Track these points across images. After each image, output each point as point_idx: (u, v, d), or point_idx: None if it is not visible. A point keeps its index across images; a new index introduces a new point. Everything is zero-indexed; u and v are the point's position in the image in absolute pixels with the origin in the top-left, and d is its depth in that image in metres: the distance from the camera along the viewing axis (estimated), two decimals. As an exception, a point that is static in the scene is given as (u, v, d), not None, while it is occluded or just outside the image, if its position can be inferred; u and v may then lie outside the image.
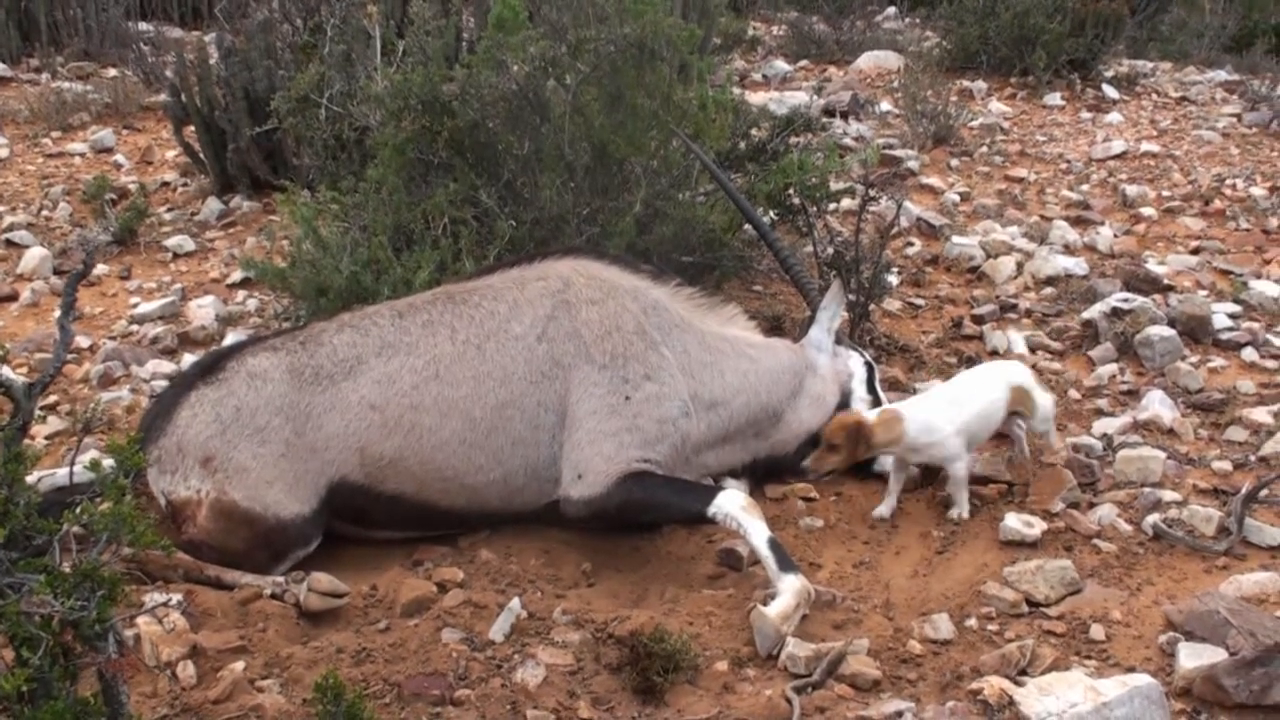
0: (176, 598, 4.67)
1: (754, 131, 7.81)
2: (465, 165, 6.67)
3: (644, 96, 6.61)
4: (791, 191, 6.96)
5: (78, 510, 2.72)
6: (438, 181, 6.67)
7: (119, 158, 10.50)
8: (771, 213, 7.17)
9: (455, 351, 5.32)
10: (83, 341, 7.25)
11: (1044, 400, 5.81)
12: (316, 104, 7.59)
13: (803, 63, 14.37)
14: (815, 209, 7.11)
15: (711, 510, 5.04)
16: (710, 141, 6.82)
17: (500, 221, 6.39)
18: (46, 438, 6.17)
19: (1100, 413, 6.51)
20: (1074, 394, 6.68)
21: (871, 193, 6.81)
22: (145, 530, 2.71)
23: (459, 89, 6.60)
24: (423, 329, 5.39)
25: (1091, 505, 5.64)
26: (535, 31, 6.60)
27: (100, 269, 8.26)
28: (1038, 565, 5.03)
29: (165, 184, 9.89)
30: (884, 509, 5.61)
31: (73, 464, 3.04)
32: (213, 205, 9.16)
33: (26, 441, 3.03)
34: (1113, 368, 6.91)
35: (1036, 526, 5.36)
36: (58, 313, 3.25)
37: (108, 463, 3.82)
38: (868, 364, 6.02)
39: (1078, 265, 8.26)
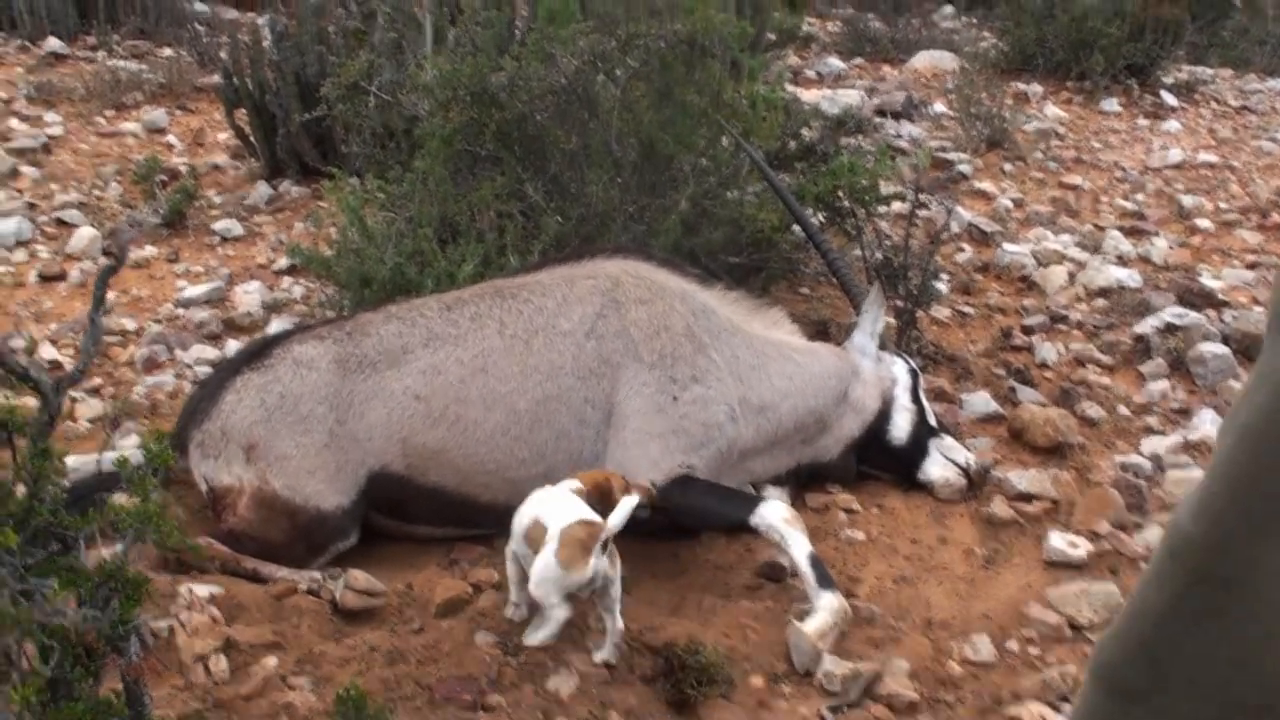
0: (211, 589, 4.68)
1: (804, 131, 7.72)
2: (512, 158, 6.62)
3: (694, 93, 6.55)
4: (841, 194, 6.86)
5: (104, 508, 2.67)
6: (484, 174, 6.62)
7: (171, 138, 10.52)
8: (820, 214, 7.08)
9: (503, 345, 5.28)
10: (129, 324, 7.24)
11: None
12: (365, 92, 7.56)
13: (857, 61, 14.27)
14: (865, 212, 7.02)
15: (754, 520, 4.97)
16: (760, 140, 6.74)
17: (546, 217, 6.33)
18: (89, 420, 6.16)
19: (1150, 431, 6.40)
20: (1124, 410, 6.57)
21: (922, 197, 6.70)
22: (171, 530, 2.65)
23: (508, 81, 6.54)
24: (471, 322, 5.35)
25: (1139, 527, 5.53)
26: (585, 25, 6.53)
27: (148, 251, 8.26)
28: (1082, 588, 4.94)
29: (216, 166, 9.91)
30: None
31: (99, 458, 2.98)
32: (262, 190, 9.16)
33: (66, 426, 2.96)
34: (1164, 385, 6.80)
35: (1082, 547, 5.27)
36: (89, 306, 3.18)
37: (133, 454, 3.80)
38: (912, 371, 5.93)
39: (1131, 277, 8.13)
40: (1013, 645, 4.74)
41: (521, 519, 4.53)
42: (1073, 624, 4.85)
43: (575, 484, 4.74)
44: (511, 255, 6.20)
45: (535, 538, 4.43)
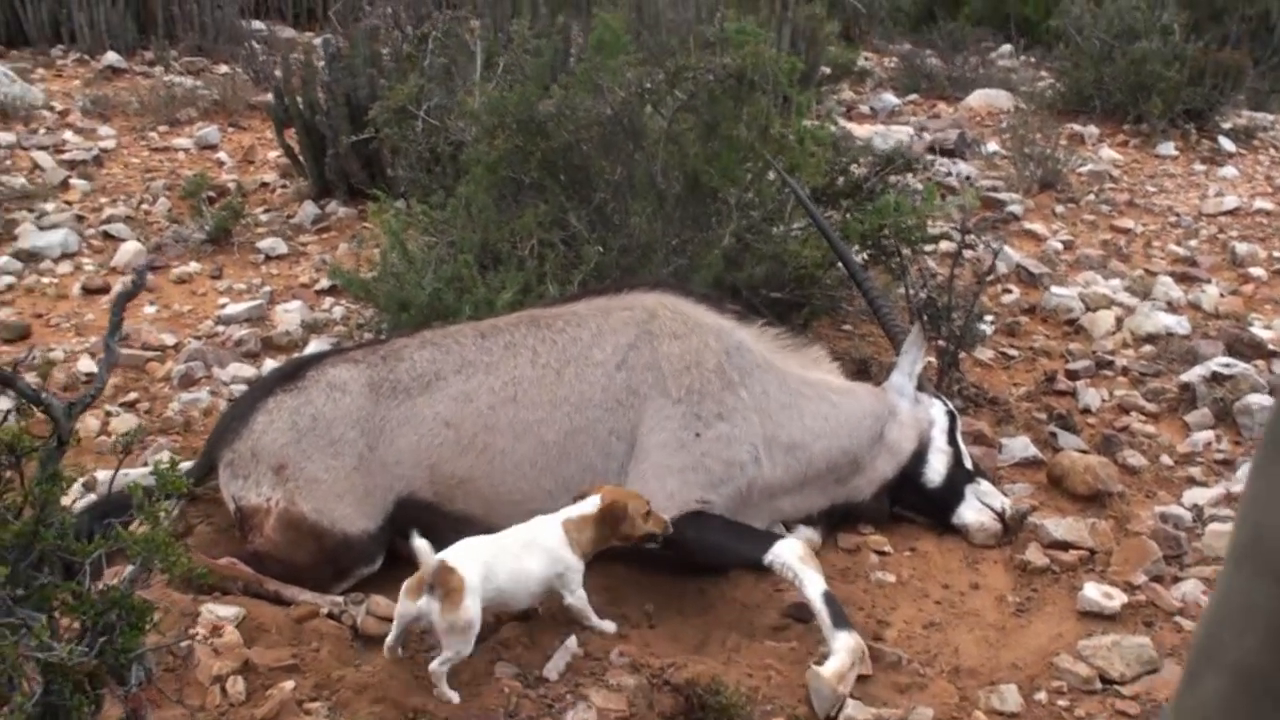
0: (232, 610, 4.66)
1: (853, 167, 7.66)
2: (557, 187, 6.60)
3: (741, 127, 6.50)
4: (886, 232, 6.80)
5: (110, 534, 2.65)
6: (528, 202, 6.61)
7: (222, 155, 10.58)
8: (864, 253, 7.02)
9: (535, 375, 5.26)
10: (168, 340, 7.26)
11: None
12: (413, 116, 7.57)
13: (912, 97, 14.20)
14: (910, 251, 6.95)
15: (768, 558, 4.91)
16: (806, 176, 6.69)
17: (588, 246, 6.31)
18: (123, 435, 6.17)
19: (1192, 481, 6.29)
20: (1166, 460, 6.47)
21: (968, 238, 6.63)
22: (179, 558, 2.62)
23: (555, 110, 6.53)
24: (504, 350, 5.33)
25: (1176, 580, 5.43)
26: (634, 56, 6.51)
27: (192, 267, 8.30)
28: (1114, 641, 4.84)
29: (264, 184, 9.96)
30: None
31: (111, 483, 2.95)
32: (308, 209, 9.19)
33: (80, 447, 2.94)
34: (1209, 435, 6.68)
35: (1116, 599, 5.17)
36: (109, 330, 3.16)
37: (138, 476, 3.77)
38: (950, 413, 5.86)
39: (1180, 324, 8.02)
40: (1041, 696, 4.65)
41: None
42: (1104, 677, 4.75)
43: (590, 506, 4.78)
44: (551, 284, 6.19)
45: None
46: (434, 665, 4.35)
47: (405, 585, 4.43)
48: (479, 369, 5.26)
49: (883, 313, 6.16)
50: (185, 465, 5.45)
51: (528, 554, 4.66)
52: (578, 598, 4.76)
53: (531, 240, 6.43)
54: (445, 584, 4.34)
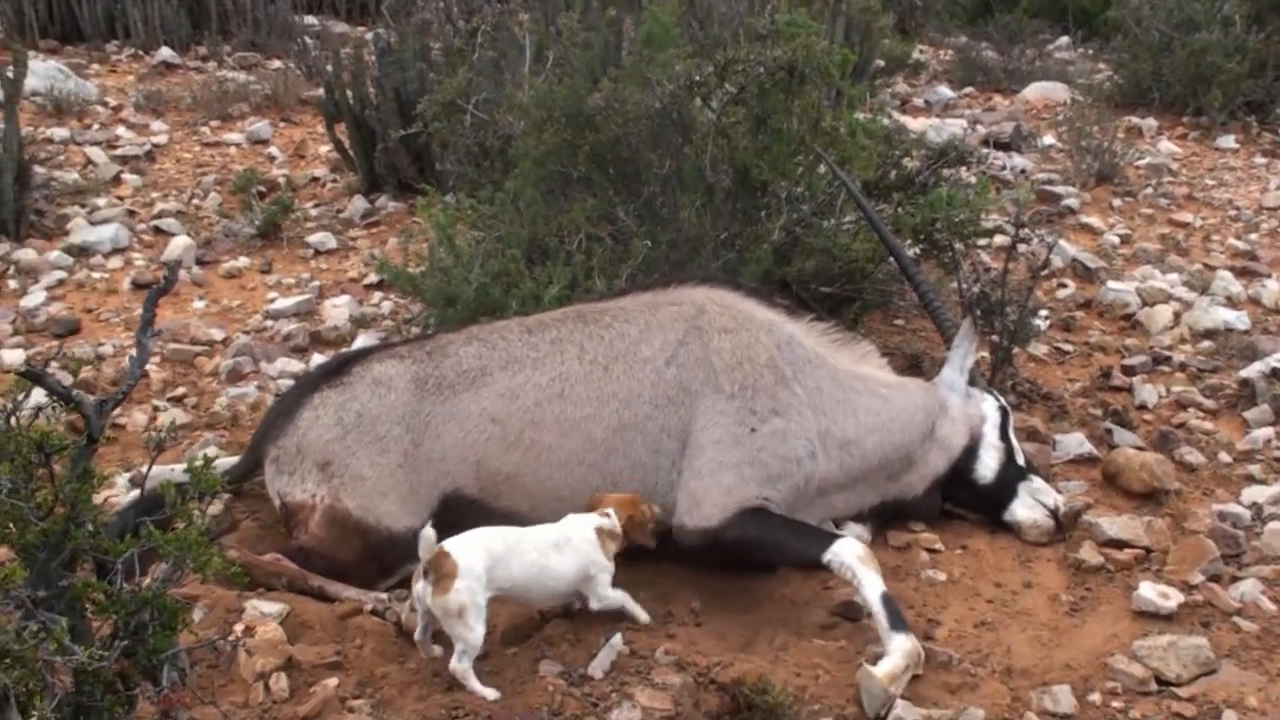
0: (277, 607, 4.64)
1: (906, 161, 7.56)
2: (605, 181, 6.55)
3: (791, 120, 6.43)
4: (938, 226, 6.70)
5: (143, 533, 2.61)
6: (576, 196, 6.56)
7: (273, 150, 10.61)
8: (916, 247, 6.94)
9: (582, 371, 5.21)
10: (216, 335, 7.27)
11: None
12: (462, 110, 7.53)
13: (968, 90, 14.07)
14: (963, 246, 6.85)
15: (827, 557, 4.84)
16: (857, 170, 6.61)
17: (636, 241, 6.25)
18: (156, 431, 6.17)
19: (1251, 479, 6.17)
20: (1225, 457, 6.34)
21: (1022, 233, 6.53)
22: (211, 558, 2.58)
23: (603, 103, 6.47)
24: (551, 346, 5.28)
25: (1234, 579, 5.32)
26: (683, 49, 6.45)
27: (242, 262, 8.31)
28: (1170, 641, 4.74)
29: (315, 179, 9.97)
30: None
31: (145, 481, 2.92)
32: (358, 204, 9.19)
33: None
34: (1268, 431, 6.55)
35: (1173, 598, 5.07)
36: (140, 325, 3.13)
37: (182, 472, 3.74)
38: (1002, 409, 5.77)
39: (1239, 319, 7.88)
40: (1094, 698, 4.56)
41: None
42: (1159, 678, 4.66)
43: (606, 518, 4.78)
44: (598, 279, 6.14)
45: None
46: (453, 663, 4.34)
47: (414, 575, 4.44)
48: (525, 365, 5.22)
49: (934, 307, 6.07)
50: (226, 461, 5.49)
51: (558, 553, 4.64)
52: (606, 600, 4.73)
53: (579, 234, 6.38)
54: (438, 569, 4.33)
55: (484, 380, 5.19)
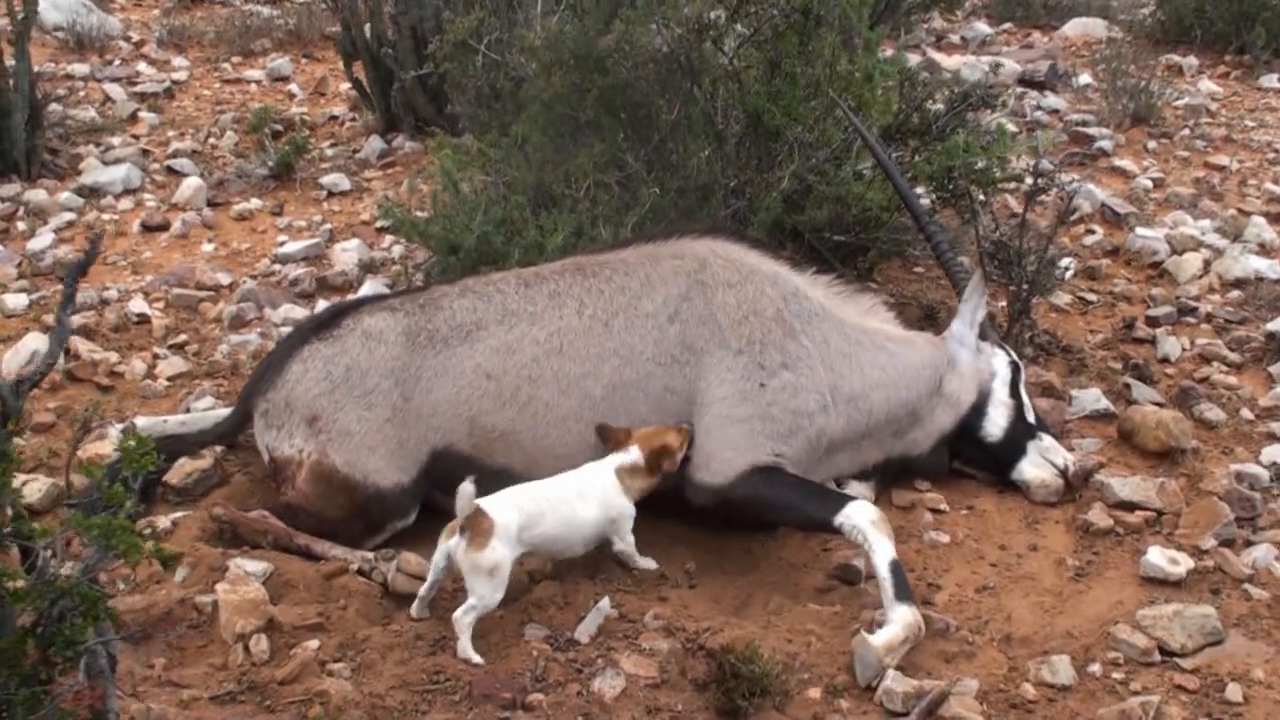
0: (261, 566, 4.58)
1: (928, 104, 7.35)
2: (615, 126, 6.39)
3: (805, 65, 6.26)
4: (956, 174, 6.52)
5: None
6: (585, 141, 6.41)
7: (293, 87, 10.49)
8: (933, 195, 6.76)
9: (581, 326, 5.09)
10: (223, 279, 7.18)
11: None
12: (474, 50, 7.38)
13: (1006, 25, 13.74)
14: (982, 195, 6.67)
15: (839, 520, 4.71)
16: (874, 115, 6.43)
17: (644, 188, 6.11)
18: (168, 378, 6.13)
19: (1273, 438, 5.99)
20: (1246, 414, 6.16)
21: (1041, 181, 6.34)
22: (136, 544, 2.48)
23: (614, 45, 6.31)
24: (549, 300, 5.17)
25: (1248, 544, 5.18)
26: (697, -11, 6.28)
27: (254, 203, 8.22)
28: (1176, 610, 4.61)
29: (333, 117, 9.86)
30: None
31: (165, 420, 2.82)
32: (375, 144, 9.07)
33: (17, 441, 2.82)
34: (1293, 387, 6.37)
35: (1182, 564, 4.93)
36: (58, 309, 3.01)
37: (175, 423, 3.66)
38: (1013, 364, 5.61)
39: (1271, 268, 7.63)
40: (1095, 668, 4.45)
41: None
42: (1163, 649, 4.54)
43: (635, 455, 4.77)
44: (603, 228, 6.00)
45: None
46: (458, 613, 4.29)
47: (444, 530, 4.42)
48: (522, 319, 5.10)
49: (946, 258, 5.91)
50: (219, 413, 5.42)
51: (581, 501, 4.63)
52: (628, 543, 4.76)
53: (586, 181, 6.25)
54: (476, 526, 4.30)
55: (478, 334, 5.08)
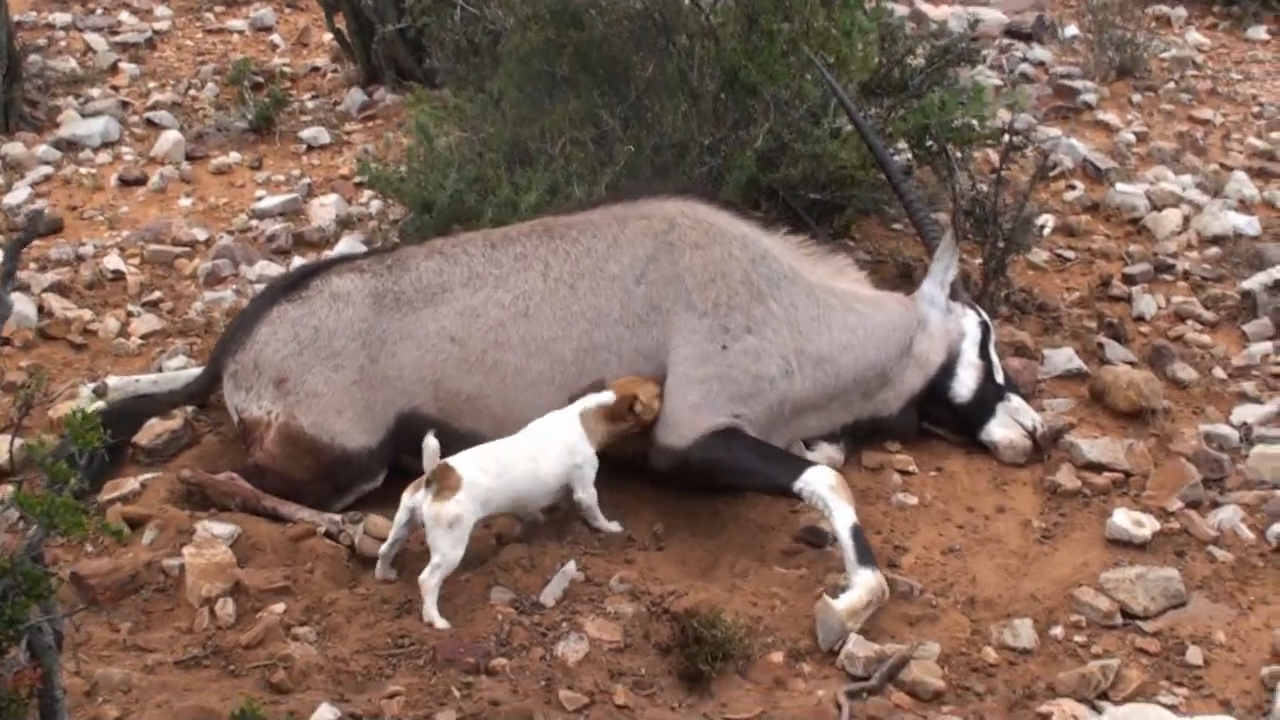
0: (228, 528, 4.59)
1: (909, 59, 7.29)
2: (591, 82, 6.36)
3: (782, 20, 6.22)
4: (932, 131, 6.49)
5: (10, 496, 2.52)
6: (560, 97, 6.38)
7: (275, 38, 10.41)
8: (910, 153, 6.73)
9: (547, 289, 5.09)
10: (199, 235, 7.17)
11: None
12: (452, 4, 7.33)
13: (995, -27, 13.66)
14: (959, 153, 6.64)
15: (798, 485, 4.74)
16: (852, 72, 6.41)
17: (619, 145, 6.09)
18: (142, 336, 6.13)
19: (1244, 397, 5.98)
20: (1219, 372, 6.16)
21: (1017, 139, 6.32)
22: (79, 522, 2.49)
23: (589, 1, 6.28)
24: (515, 262, 5.17)
25: (1215, 505, 5.19)
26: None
27: (232, 157, 8.19)
28: (1139, 573, 4.64)
29: (315, 69, 9.81)
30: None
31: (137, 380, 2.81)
32: (355, 96, 9.03)
33: None
34: (1267, 346, 6.34)
35: (1147, 526, 4.95)
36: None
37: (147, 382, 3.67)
38: (983, 324, 5.60)
39: (1250, 224, 7.60)
40: (1057, 631, 4.49)
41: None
42: (1125, 611, 4.57)
43: (606, 396, 4.82)
44: (577, 186, 5.98)
45: None
46: (423, 575, 4.33)
47: (409, 487, 4.47)
48: (487, 282, 5.11)
49: (919, 218, 5.89)
50: (190, 373, 5.43)
51: (543, 455, 4.66)
52: (589, 494, 4.77)
53: (562, 138, 6.22)
54: (442, 479, 4.35)
55: (444, 297, 5.09)
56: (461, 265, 5.14)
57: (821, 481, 4.71)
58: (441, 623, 4.25)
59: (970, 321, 5.58)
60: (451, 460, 4.42)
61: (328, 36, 10.11)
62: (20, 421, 3.21)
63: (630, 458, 5.08)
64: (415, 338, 5.03)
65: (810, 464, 4.89)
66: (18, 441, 5.09)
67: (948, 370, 5.48)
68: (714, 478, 5.03)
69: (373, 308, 5.06)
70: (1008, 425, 5.44)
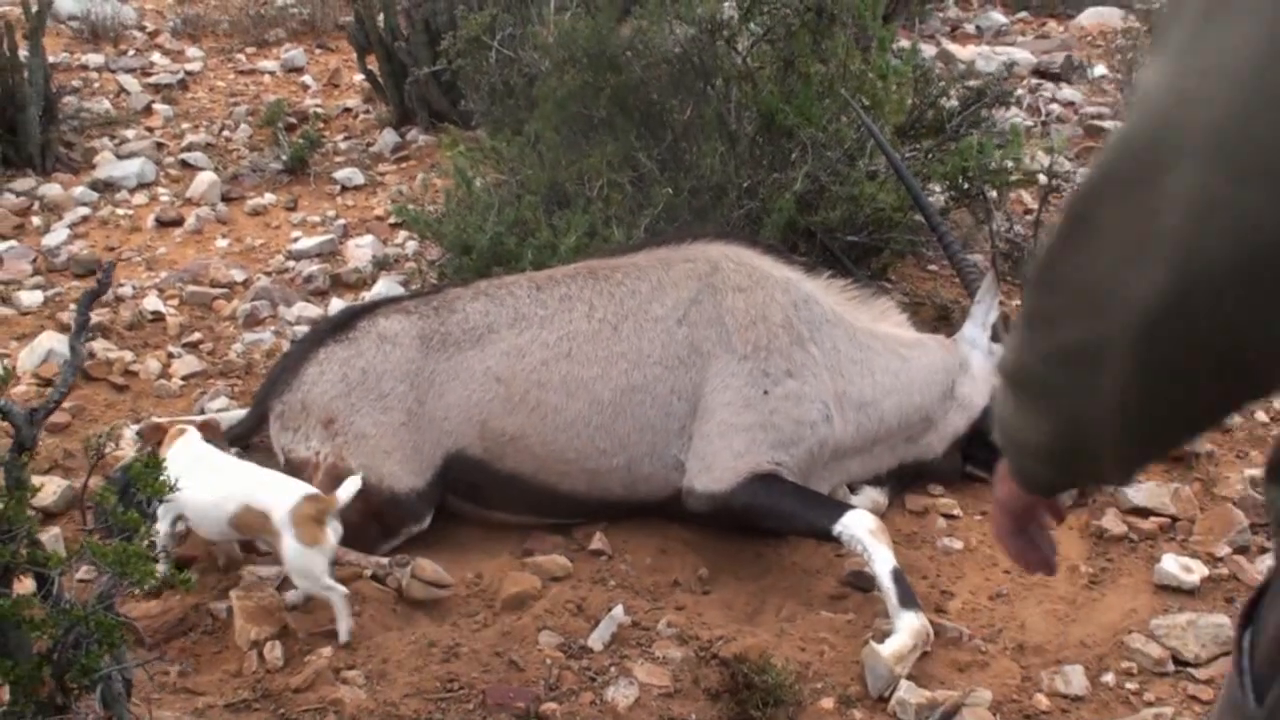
0: (274, 571, 4.58)
1: (943, 101, 7.31)
2: (628, 125, 6.39)
3: (818, 63, 6.25)
4: (969, 174, 6.50)
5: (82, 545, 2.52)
6: (598, 140, 6.41)
7: (307, 78, 10.49)
8: (948, 194, 6.74)
9: (590, 329, 5.09)
10: (237, 276, 7.19)
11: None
12: (487, 46, 7.37)
13: (1021, 14, 13.69)
14: (996, 195, 6.64)
15: (837, 529, 4.72)
16: (888, 115, 6.42)
17: (657, 187, 6.10)
18: (183, 378, 6.13)
19: (1288, 441, 5.96)
20: (1261, 415, 6.14)
21: (1054, 182, 6.32)
22: (150, 572, 2.49)
23: (627, 44, 6.31)
24: (559, 303, 5.17)
25: (1263, 550, 5.15)
26: (709, -12, 6.27)
27: (268, 198, 8.22)
28: (1189, 620, 4.60)
29: (347, 109, 9.85)
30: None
31: (84, 493, 2.82)
32: (388, 137, 9.07)
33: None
34: (1308, 388, 6.32)
35: (1196, 572, 4.91)
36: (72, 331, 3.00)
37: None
38: (1024, 365, 5.57)
39: (1285, 265, 7.58)
40: (1109, 678, 4.44)
41: (226, 505, 4.45)
42: (1177, 658, 4.52)
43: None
44: (616, 228, 5.99)
45: (249, 524, 4.44)
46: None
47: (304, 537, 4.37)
48: (533, 322, 5.11)
49: (958, 260, 5.89)
50: (234, 414, 5.42)
51: None
52: None
53: (600, 180, 6.24)
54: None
55: (490, 338, 5.09)
56: (508, 307, 5.15)
57: (861, 525, 4.69)
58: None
59: (1012, 364, 5.54)
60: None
61: (358, 77, 10.18)
62: (94, 469, 3.19)
63: (657, 504, 5.09)
64: (462, 378, 5.02)
65: (849, 507, 4.87)
66: (63, 483, 5.16)
67: (991, 412, 5.46)
68: (754, 522, 5.01)
69: (420, 349, 5.06)
70: (1052, 468, 5.40)
